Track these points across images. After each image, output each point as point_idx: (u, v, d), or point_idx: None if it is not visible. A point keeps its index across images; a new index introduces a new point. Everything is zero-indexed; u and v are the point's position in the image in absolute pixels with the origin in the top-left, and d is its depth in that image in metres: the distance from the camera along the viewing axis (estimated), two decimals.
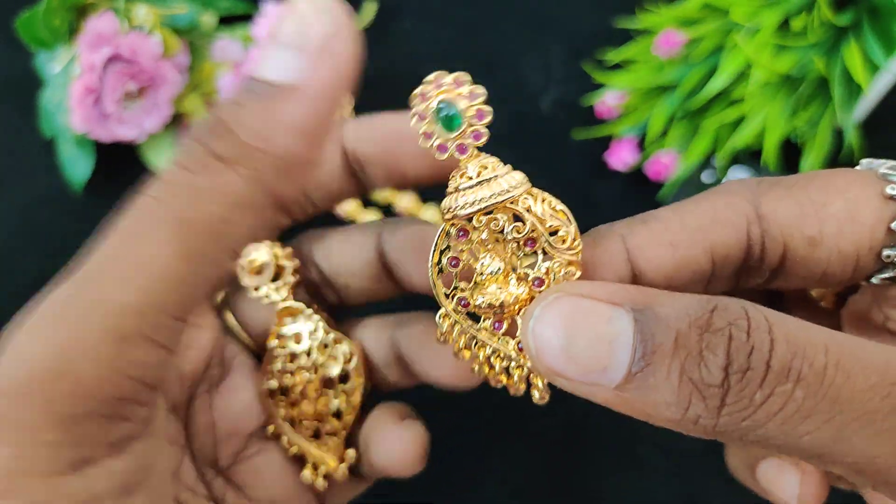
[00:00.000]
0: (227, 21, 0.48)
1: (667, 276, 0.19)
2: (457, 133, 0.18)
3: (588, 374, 0.16)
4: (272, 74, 0.16)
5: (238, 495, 0.26)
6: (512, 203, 0.19)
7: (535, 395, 0.20)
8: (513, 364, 0.20)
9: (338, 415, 0.27)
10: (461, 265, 0.20)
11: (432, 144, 0.19)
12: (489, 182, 0.19)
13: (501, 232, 0.19)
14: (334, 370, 0.27)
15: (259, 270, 0.26)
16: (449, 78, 0.19)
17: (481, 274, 0.19)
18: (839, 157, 0.45)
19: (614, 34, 0.51)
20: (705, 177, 0.45)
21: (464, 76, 0.19)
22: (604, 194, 0.47)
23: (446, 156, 0.19)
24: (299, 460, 0.27)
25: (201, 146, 0.16)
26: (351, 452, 0.27)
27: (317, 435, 0.27)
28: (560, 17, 0.53)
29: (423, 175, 0.21)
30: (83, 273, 0.16)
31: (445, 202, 0.19)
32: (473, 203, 0.19)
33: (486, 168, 0.19)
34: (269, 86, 0.16)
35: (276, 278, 0.26)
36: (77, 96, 0.40)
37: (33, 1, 0.41)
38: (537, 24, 0.53)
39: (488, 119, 0.19)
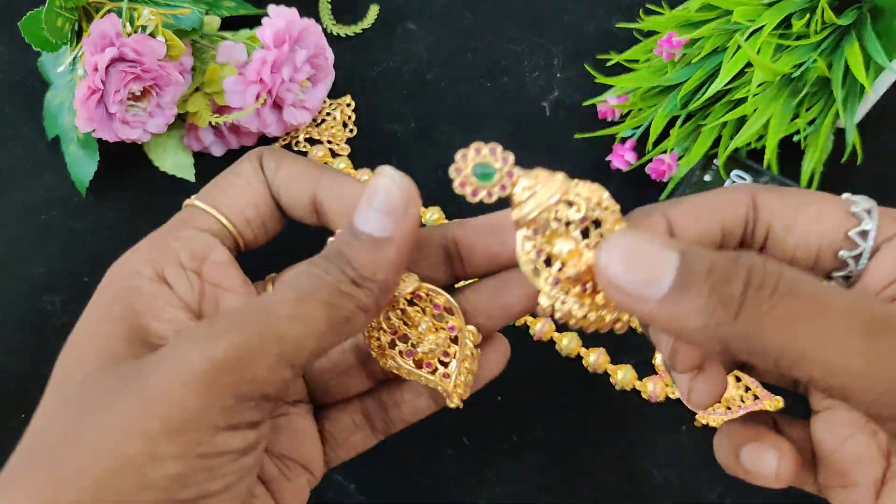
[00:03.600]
0: (231, 23, 0.49)
1: (693, 241, 0.25)
2: (492, 183, 0.24)
3: (642, 285, 0.21)
4: (373, 230, 0.24)
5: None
6: (565, 194, 0.24)
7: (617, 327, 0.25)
8: (599, 312, 0.25)
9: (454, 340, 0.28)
10: (541, 256, 0.25)
11: (468, 193, 0.25)
12: (543, 187, 0.24)
13: (560, 219, 0.24)
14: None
15: None
16: (485, 149, 0.24)
17: (560, 254, 0.24)
18: (841, 158, 0.45)
19: (616, 36, 0.51)
20: (707, 177, 0.45)
21: (495, 146, 0.24)
22: None
23: (478, 198, 0.25)
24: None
25: (338, 267, 0.24)
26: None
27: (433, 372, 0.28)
28: (562, 18, 0.53)
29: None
30: (266, 301, 0.23)
31: (514, 214, 0.24)
32: (538, 205, 0.24)
33: (536, 178, 0.24)
34: (371, 238, 0.24)
35: None
36: (81, 97, 0.41)
37: (38, 2, 0.41)
38: (539, 26, 0.53)
39: (516, 171, 0.24)
